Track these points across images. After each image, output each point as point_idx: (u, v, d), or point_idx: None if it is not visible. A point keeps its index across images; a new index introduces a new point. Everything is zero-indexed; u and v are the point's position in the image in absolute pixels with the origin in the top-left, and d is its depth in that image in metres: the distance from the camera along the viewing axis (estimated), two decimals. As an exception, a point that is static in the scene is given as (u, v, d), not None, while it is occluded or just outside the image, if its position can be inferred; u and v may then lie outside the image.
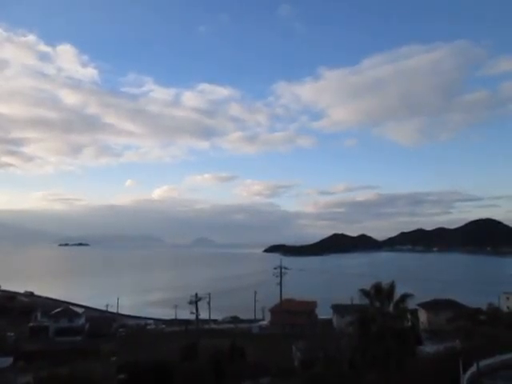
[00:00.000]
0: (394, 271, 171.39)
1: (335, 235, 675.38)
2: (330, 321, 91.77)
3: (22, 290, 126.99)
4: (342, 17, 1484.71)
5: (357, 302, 44.45)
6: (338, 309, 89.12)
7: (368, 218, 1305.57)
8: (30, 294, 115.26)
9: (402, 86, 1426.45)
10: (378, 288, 35.72)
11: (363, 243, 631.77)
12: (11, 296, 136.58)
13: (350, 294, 74.84)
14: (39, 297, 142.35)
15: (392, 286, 35.87)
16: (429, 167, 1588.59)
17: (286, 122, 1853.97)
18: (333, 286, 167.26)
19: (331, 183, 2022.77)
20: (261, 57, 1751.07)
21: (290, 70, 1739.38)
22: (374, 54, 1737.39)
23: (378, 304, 35.43)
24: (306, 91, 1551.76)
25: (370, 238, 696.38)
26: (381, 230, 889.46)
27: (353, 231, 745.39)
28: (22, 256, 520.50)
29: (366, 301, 36.39)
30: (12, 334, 78.33)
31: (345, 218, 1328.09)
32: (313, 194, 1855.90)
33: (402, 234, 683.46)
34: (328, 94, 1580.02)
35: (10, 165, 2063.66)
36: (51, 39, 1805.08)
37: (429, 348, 48.65)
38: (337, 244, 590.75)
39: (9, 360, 56.13)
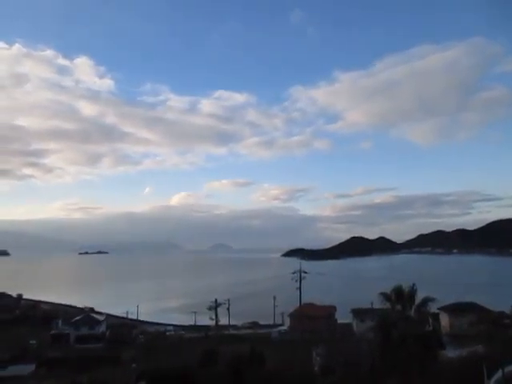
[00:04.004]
0: (413, 274, 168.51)
1: (353, 238, 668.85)
2: (349, 325, 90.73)
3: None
4: (354, 19, 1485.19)
5: (377, 305, 43.81)
6: (358, 313, 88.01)
7: (386, 220, 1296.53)
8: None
9: (417, 87, 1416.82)
10: (398, 292, 35.13)
11: (382, 246, 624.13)
12: (34, 304, 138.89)
13: (369, 298, 73.91)
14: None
15: (413, 290, 35.24)
16: (446, 168, 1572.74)
17: (302, 126, 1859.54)
18: (352, 289, 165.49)
19: (348, 186, 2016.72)
20: (275, 62, 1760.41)
21: (305, 74, 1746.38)
22: (387, 55, 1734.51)
23: (399, 308, 34.84)
24: (321, 95, 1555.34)
25: (388, 240, 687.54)
26: (399, 232, 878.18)
27: (371, 234, 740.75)
28: (43, 265, 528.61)
29: (386, 305, 35.82)
30: (34, 341, 79.41)
31: (363, 220, 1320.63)
32: (330, 198, 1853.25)
33: (421, 235, 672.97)
34: (343, 97, 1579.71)
35: (31, 176, 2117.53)
36: (69, 52, 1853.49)
37: (451, 353, 47.58)
38: (355, 247, 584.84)
39: (31, 367, 56.81)
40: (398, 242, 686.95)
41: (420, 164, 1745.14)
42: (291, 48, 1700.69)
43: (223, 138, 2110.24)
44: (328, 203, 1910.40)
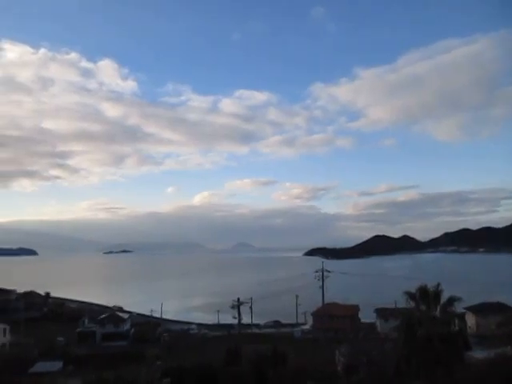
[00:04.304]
0: (438, 273, 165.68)
1: (377, 237, 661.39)
2: (373, 325, 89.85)
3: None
4: (376, 14, 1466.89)
5: (401, 305, 43.24)
6: (382, 312, 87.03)
7: (410, 218, 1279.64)
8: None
9: (441, 82, 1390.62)
10: (423, 291, 34.52)
11: (406, 245, 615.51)
12: (61, 302, 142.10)
13: (393, 298, 73.00)
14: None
15: (438, 289, 34.61)
16: (472, 164, 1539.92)
17: (323, 124, 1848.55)
18: (375, 289, 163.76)
19: (371, 184, 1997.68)
20: (296, 60, 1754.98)
21: (325, 71, 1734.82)
22: (410, 50, 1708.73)
23: (423, 308, 34.29)
24: (342, 92, 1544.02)
25: (412, 239, 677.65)
26: (424, 230, 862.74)
27: (395, 232, 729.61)
28: (69, 264, 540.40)
29: (410, 304, 35.29)
30: (61, 338, 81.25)
31: (386, 219, 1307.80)
32: (353, 196, 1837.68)
33: (446, 234, 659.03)
34: (365, 94, 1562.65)
35: (58, 177, 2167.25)
36: (92, 55, 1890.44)
37: (478, 354, 46.52)
38: (378, 246, 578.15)
39: (59, 364, 57.99)
40: (423, 240, 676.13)
41: (444, 161, 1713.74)
42: (312, 45, 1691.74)
43: (245, 138, 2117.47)
44: (350, 201, 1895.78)
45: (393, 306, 79.74)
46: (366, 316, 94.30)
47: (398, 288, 40.25)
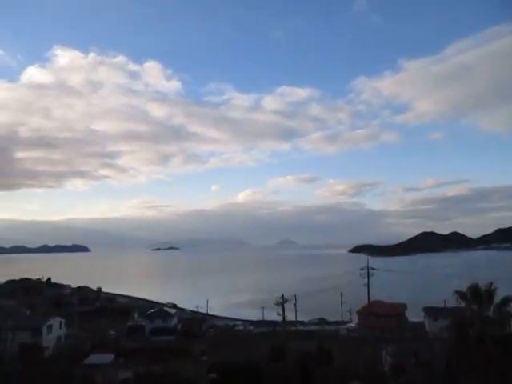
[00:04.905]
0: (491, 271, 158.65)
1: (424, 233, 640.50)
2: (421, 324, 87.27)
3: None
4: (420, 4, 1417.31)
5: (451, 304, 41.80)
6: (431, 312, 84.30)
7: (459, 214, 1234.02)
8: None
9: (492, 71, 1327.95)
10: (475, 290, 33.26)
11: (455, 241, 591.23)
12: (112, 297, 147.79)
13: (442, 296, 70.66)
14: (138, 299, 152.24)
15: (492, 288, 33.22)
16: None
17: (367, 119, 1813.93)
18: (423, 287, 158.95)
19: (418, 179, 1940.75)
20: (338, 54, 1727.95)
21: (369, 64, 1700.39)
22: (458, 39, 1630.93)
23: (475, 307, 33.01)
24: (387, 85, 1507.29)
25: (462, 235, 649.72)
26: (474, 226, 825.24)
27: (443, 229, 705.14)
28: (119, 261, 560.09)
29: (461, 304, 34.06)
30: (113, 332, 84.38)
31: (434, 215, 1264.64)
32: (399, 192, 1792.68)
33: (499, 230, 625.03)
34: (410, 86, 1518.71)
35: (107, 177, 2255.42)
36: (138, 57, 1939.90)
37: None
38: (426, 243, 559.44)
39: (110, 356, 59.98)
40: (473, 237, 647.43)
41: (496, 154, 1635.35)
42: (354, 38, 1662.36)
43: (287, 134, 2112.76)
44: (396, 197, 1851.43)
45: (442, 305, 77.19)
46: (414, 315, 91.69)
47: (448, 286, 38.98)
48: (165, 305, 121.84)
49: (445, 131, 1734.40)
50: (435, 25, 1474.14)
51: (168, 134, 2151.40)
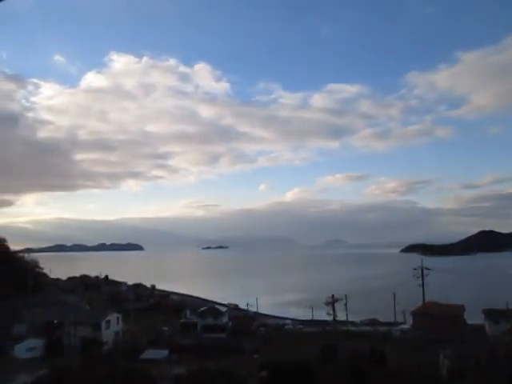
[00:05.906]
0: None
1: (482, 232, 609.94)
2: (481, 327, 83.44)
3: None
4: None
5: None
6: (491, 314, 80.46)
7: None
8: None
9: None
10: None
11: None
12: (165, 295, 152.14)
13: (504, 298, 67.48)
14: (190, 296, 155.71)
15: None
16: None
17: (420, 114, 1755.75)
18: (483, 288, 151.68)
19: (475, 175, 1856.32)
20: (389, 49, 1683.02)
21: (422, 58, 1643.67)
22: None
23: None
24: (441, 78, 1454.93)
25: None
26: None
27: (504, 227, 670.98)
28: (172, 259, 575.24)
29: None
30: (166, 328, 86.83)
31: (493, 212, 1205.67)
32: (455, 189, 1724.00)
33: None
34: (467, 79, 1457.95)
35: (160, 177, 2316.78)
36: (188, 60, 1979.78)
37: None
38: (485, 242, 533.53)
39: (165, 352, 61.73)
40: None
41: None
42: (406, 32, 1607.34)
43: (336, 132, 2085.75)
44: (452, 195, 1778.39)
45: (504, 307, 73.53)
46: (473, 317, 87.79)
47: (510, 288, 37.08)
48: (218, 303, 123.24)
49: (504, 125, 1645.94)
50: (492, 14, 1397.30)
51: (217, 135, 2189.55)
